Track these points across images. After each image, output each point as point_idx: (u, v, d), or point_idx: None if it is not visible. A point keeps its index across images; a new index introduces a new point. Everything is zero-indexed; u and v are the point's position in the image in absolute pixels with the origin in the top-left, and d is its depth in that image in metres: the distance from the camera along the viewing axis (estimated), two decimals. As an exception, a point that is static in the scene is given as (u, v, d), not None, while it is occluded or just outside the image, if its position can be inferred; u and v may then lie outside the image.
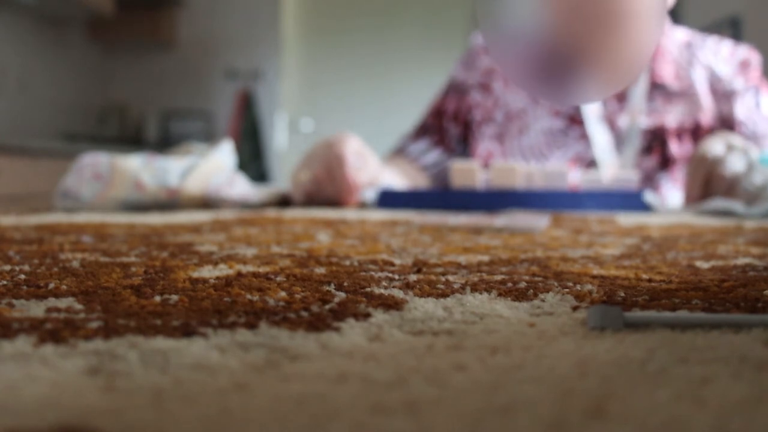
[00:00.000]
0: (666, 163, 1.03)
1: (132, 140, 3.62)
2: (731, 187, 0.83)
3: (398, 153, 1.19)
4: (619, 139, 1.05)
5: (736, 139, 0.88)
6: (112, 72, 3.81)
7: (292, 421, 0.13)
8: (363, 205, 0.90)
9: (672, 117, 1.04)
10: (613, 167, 1.02)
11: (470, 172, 0.89)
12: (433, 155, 1.16)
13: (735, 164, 0.83)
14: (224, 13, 3.76)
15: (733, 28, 2.70)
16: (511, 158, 1.10)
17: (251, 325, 0.20)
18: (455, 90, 1.20)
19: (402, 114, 3.58)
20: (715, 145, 0.87)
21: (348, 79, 3.86)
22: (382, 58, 3.84)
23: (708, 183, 0.85)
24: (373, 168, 0.93)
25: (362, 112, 3.82)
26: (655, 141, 1.04)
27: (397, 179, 1.05)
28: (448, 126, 1.18)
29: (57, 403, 0.14)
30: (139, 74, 3.83)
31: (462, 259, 0.36)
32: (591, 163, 1.04)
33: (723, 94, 1.05)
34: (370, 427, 0.12)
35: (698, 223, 0.64)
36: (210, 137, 3.71)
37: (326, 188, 0.89)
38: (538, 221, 0.59)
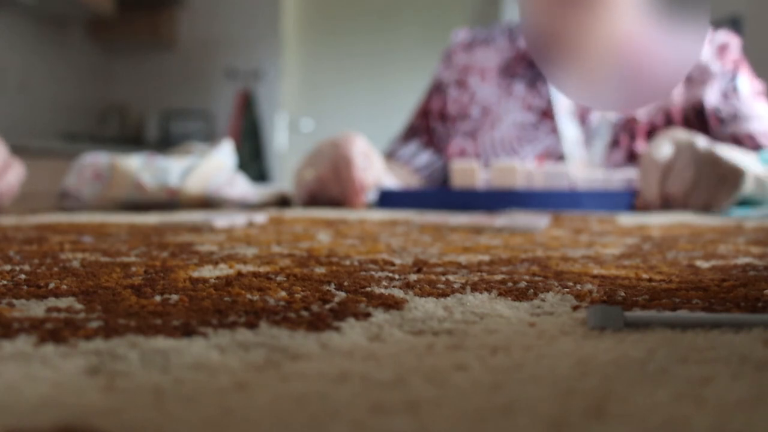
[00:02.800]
0: (633, 156, 1.02)
1: (132, 140, 3.62)
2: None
3: (389, 157, 1.18)
4: (589, 134, 1.04)
5: (680, 134, 0.84)
6: (112, 72, 3.81)
7: (292, 421, 0.13)
8: (369, 206, 0.90)
9: (643, 109, 1.03)
10: (581, 162, 1.01)
11: (470, 172, 0.89)
12: (425, 157, 1.16)
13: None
14: (224, 13, 3.76)
15: (733, 28, 2.70)
16: (483, 154, 1.09)
17: (251, 325, 0.20)
18: (437, 89, 1.19)
19: (402, 114, 3.58)
20: (663, 147, 0.82)
21: (348, 79, 3.86)
22: (382, 58, 3.84)
23: (665, 189, 0.82)
24: (377, 168, 0.92)
25: (362, 112, 3.82)
26: (623, 134, 1.03)
27: (396, 183, 1.05)
28: (436, 125, 1.17)
29: (57, 403, 0.14)
30: (139, 74, 3.83)
31: (462, 258, 0.36)
32: (560, 158, 1.04)
33: (698, 81, 1.03)
34: (370, 427, 0.12)
35: (698, 223, 0.64)
36: (210, 137, 3.71)
37: (331, 189, 0.89)
38: (538, 221, 0.59)
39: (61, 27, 3.42)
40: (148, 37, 3.66)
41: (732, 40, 1.05)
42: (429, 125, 1.18)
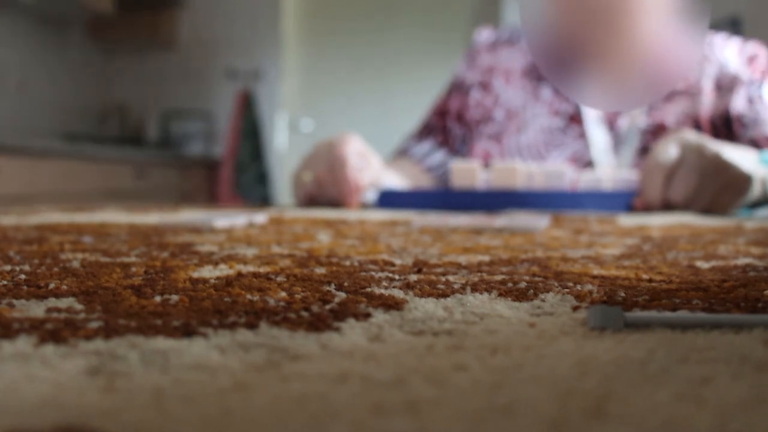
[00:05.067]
0: None
1: (132, 140, 3.62)
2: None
3: (401, 154, 1.17)
4: (618, 140, 1.04)
5: (689, 135, 0.83)
6: (112, 72, 3.81)
7: (292, 421, 0.13)
8: (365, 206, 0.90)
9: (672, 116, 1.03)
10: (610, 169, 1.01)
11: (470, 172, 0.89)
12: (438, 156, 1.15)
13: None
14: (225, 13, 3.76)
15: (733, 28, 2.70)
16: (509, 158, 1.08)
17: (251, 325, 0.20)
18: (458, 89, 1.18)
19: (403, 114, 3.58)
20: (668, 149, 0.81)
21: (348, 79, 3.86)
22: (382, 58, 3.84)
23: (666, 195, 0.81)
24: (375, 168, 0.92)
25: (363, 112, 3.82)
26: (654, 142, 1.02)
27: (400, 182, 1.04)
28: (452, 126, 1.16)
29: (57, 403, 0.14)
30: (139, 74, 3.83)
31: (462, 259, 0.36)
32: (588, 164, 1.03)
33: (728, 89, 1.03)
34: (370, 427, 0.12)
35: (698, 223, 0.64)
36: (210, 137, 3.71)
37: (329, 190, 0.89)
38: (538, 221, 0.59)
39: (61, 27, 3.42)
40: (148, 37, 3.66)
41: (761, 51, 1.06)
42: (445, 125, 1.17)
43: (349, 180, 0.86)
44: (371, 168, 0.91)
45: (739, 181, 0.78)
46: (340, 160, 0.86)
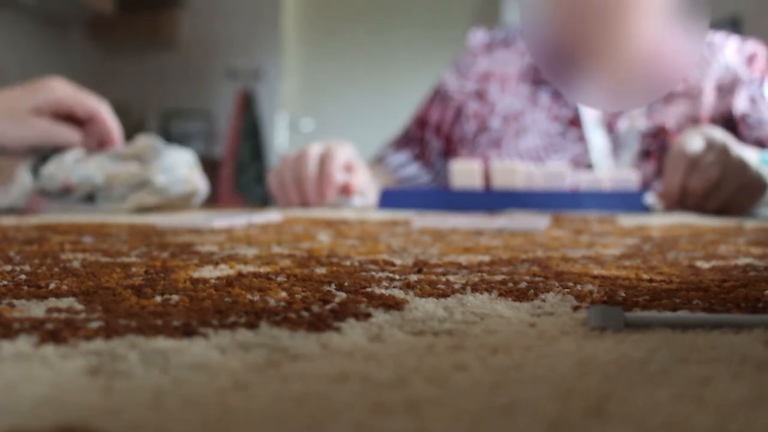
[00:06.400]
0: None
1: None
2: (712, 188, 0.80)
3: (378, 162, 1.17)
4: (618, 143, 1.03)
5: (716, 133, 0.83)
6: (112, 72, 3.81)
7: (292, 421, 0.13)
8: (335, 205, 0.90)
9: (672, 118, 1.03)
10: (609, 172, 1.01)
11: (471, 172, 0.89)
12: (412, 169, 1.15)
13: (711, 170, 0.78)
14: (225, 13, 3.76)
15: (733, 28, 2.70)
16: (508, 161, 1.08)
17: (252, 325, 0.20)
18: (441, 99, 1.16)
19: (403, 114, 3.58)
20: (694, 141, 0.82)
21: (349, 79, 3.86)
22: (383, 58, 3.84)
23: (687, 182, 0.81)
24: (362, 178, 0.93)
25: (363, 112, 3.83)
26: (654, 145, 1.02)
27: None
28: (430, 138, 1.15)
29: (57, 403, 0.14)
30: (139, 74, 3.83)
31: (462, 259, 0.36)
32: (588, 167, 1.03)
33: (729, 89, 1.03)
34: (370, 427, 0.12)
35: (698, 223, 0.64)
36: (210, 137, 3.71)
37: (292, 188, 0.90)
38: (538, 221, 0.59)
39: (61, 27, 3.42)
40: (148, 37, 3.66)
41: (760, 50, 1.06)
42: (424, 137, 1.16)
43: (331, 174, 0.86)
44: (358, 176, 0.92)
45: (757, 185, 0.78)
46: (328, 153, 0.88)
